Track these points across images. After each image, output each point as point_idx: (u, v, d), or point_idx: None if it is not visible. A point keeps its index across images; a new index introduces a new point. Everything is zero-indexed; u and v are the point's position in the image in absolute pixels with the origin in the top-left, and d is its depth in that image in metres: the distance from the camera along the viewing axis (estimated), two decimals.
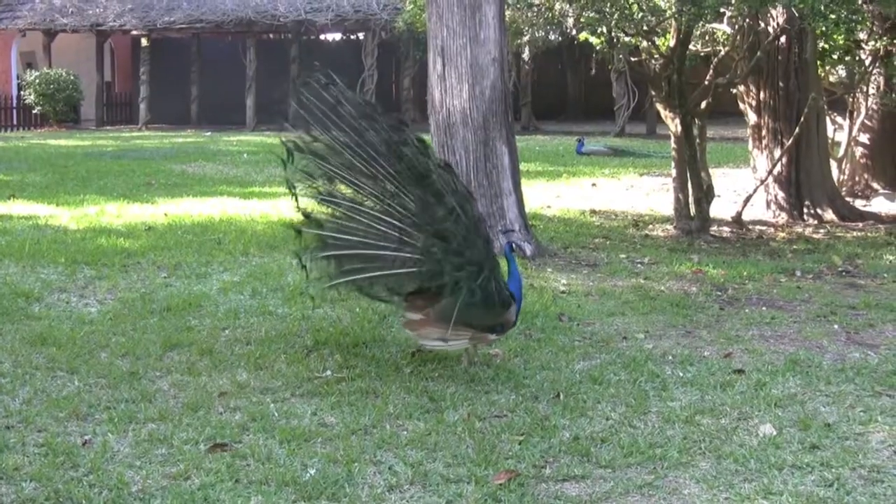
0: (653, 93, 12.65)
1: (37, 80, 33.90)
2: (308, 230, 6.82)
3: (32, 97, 34.00)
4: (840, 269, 10.20)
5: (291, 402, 6.01)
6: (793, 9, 11.23)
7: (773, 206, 13.73)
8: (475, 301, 6.15)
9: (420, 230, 6.30)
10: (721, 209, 13.60)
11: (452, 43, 10.22)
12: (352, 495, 4.72)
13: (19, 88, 35.56)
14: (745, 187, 14.93)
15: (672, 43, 12.08)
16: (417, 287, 6.45)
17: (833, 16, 10.68)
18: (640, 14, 12.00)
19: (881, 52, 14.12)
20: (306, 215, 6.85)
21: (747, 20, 12.65)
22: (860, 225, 13.19)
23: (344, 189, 6.73)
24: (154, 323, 7.72)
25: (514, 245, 7.15)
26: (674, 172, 12.60)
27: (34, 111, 34.56)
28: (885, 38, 13.87)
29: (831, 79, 15.62)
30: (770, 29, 12.93)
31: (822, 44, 13.74)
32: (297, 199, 6.88)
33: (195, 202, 14.43)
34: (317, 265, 6.79)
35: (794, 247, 11.51)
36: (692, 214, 12.26)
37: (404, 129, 6.65)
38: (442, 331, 6.27)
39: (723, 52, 13.12)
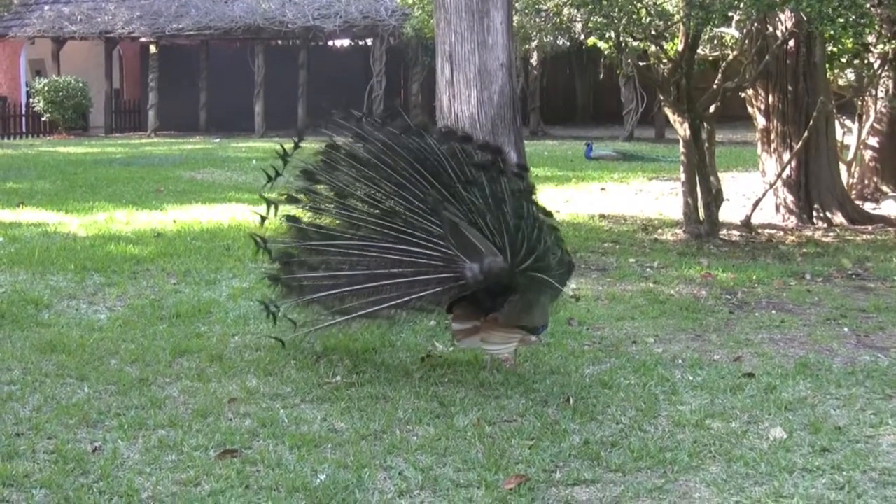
0: (661, 97, 12.62)
1: (46, 88, 34.01)
2: (290, 275, 6.87)
3: (41, 104, 34.10)
4: (850, 272, 10.18)
5: (301, 407, 6.01)
6: (801, 13, 11.22)
7: (782, 210, 13.69)
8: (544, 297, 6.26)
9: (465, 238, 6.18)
10: (730, 213, 13.58)
11: (461, 48, 10.21)
12: (362, 501, 4.71)
13: (28, 96, 35.70)
14: (754, 191, 14.91)
15: (680, 47, 12.07)
16: (457, 297, 6.39)
17: (841, 19, 10.64)
18: (649, 18, 11.98)
19: (890, 56, 14.09)
20: (286, 261, 6.89)
21: (755, 24, 12.63)
22: (870, 228, 13.15)
23: (339, 226, 6.78)
24: (163, 329, 7.73)
25: None
26: (682, 176, 12.57)
27: (43, 118, 34.66)
28: (893, 42, 13.85)
29: (840, 82, 15.59)
30: (778, 33, 12.91)
31: (830, 47, 13.72)
32: (269, 251, 6.98)
33: (204, 209, 14.45)
34: (304, 310, 6.89)
35: (804, 250, 11.49)
36: (701, 218, 12.23)
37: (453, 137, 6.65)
38: (507, 333, 6.29)
39: (731, 57, 13.10)
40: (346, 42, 38.85)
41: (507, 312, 6.24)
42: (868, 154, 15.62)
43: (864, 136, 15.23)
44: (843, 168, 14.73)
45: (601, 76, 34.57)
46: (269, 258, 7.04)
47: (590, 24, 12.76)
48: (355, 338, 7.33)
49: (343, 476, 4.93)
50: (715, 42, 14.50)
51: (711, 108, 12.46)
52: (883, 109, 15.24)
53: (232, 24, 33.62)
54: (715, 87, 12.51)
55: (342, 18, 32.60)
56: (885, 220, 13.68)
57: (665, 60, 12.58)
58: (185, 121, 36.12)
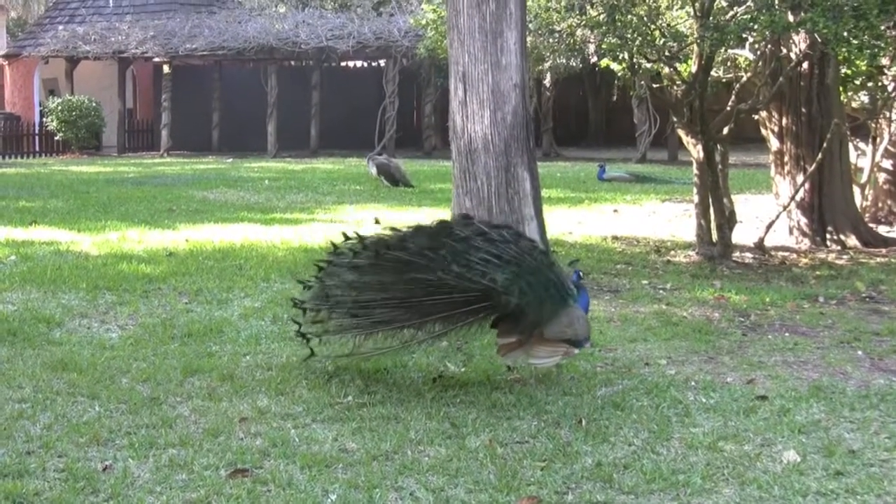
0: (674, 119, 12.61)
1: (59, 107, 34.11)
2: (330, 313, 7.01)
3: (54, 124, 34.21)
4: (864, 295, 10.13)
5: (312, 427, 5.99)
6: (815, 34, 11.20)
7: (795, 232, 13.65)
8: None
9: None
10: (743, 235, 13.54)
11: (474, 69, 10.21)
12: None
13: (42, 115, 35.81)
14: (767, 213, 14.85)
15: (694, 69, 12.05)
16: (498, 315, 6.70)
17: (856, 41, 10.62)
18: (662, 40, 11.97)
19: None
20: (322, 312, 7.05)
21: (769, 46, 12.62)
22: (884, 251, 13.10)
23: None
24: (175, 349, 7.73)
25: (580, 274, 7.43)
26: (696, 198, 12.55)
27: (56, 138, 34.78)
28: None
29: (854, 104, 15.54)
30: (792, 55, 12.89)
31: (844, 69, 13.69)
32: (303, 310, 7.12)
33: (216, 228, 14.46)
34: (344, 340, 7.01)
35: (817, 273, 11.44)
36: (714, 240, 12.20)
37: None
38: (552, 347, 6.63)
39: (745, 78, 13.08)
40: (359, 63, 38.91)
41: (551, 327, 6.55)
42: (882, 177, 15.56)
43: (877, 158, 15.17)
44: (856, 191, 14.67)
45: (614, 97, 34.55)
46: (303, 316, 7.09)
47: (603, 46, 12.76)
48: (367, 357, 7.31)
49: (354, 496, 4.92)
50: (728, 64, 14.47)
51: (725, 130, 12.43)
52: None
53: (245, 45, 33.68)
54: (728, 108, 12.49)
55: (355, 39, 32.66)
56: None
57: (678, 82, 12.56)
58: (198, 140, 36.12)
